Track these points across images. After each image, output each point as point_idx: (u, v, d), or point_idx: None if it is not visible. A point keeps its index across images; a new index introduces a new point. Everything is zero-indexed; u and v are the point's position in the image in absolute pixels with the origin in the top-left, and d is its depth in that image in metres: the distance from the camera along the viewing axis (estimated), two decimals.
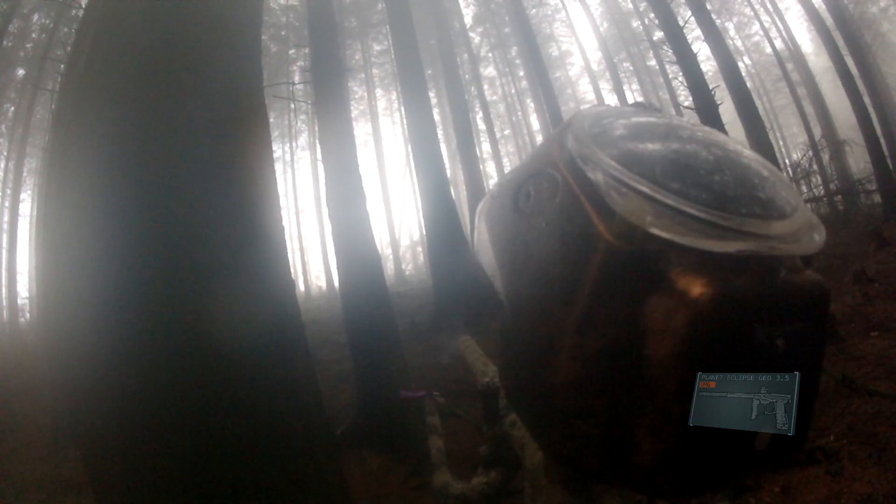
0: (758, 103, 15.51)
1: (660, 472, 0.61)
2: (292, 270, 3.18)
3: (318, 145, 10.19)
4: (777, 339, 0.57)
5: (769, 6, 26.56)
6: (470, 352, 1.65)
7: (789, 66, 25.56)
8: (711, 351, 0.55)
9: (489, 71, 35.00)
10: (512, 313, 0.74)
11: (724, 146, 0.68)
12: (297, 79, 23.17)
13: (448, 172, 14.58)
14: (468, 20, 31.17)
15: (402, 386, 5.96)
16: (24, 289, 22.76)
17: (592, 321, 0.59)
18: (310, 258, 35.29)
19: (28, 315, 21.41)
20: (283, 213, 3.35)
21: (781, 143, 33.31)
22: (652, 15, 17.52)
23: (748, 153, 0.69)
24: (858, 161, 19.16)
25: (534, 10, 29.80)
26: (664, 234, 0.54)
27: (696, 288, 0.54)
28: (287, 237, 3.41)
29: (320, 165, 8.63)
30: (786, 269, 0.59)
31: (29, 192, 24.67)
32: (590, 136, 0.66)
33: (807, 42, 31.03)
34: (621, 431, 0.61)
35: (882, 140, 14.06)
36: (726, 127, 10.59)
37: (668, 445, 0.58)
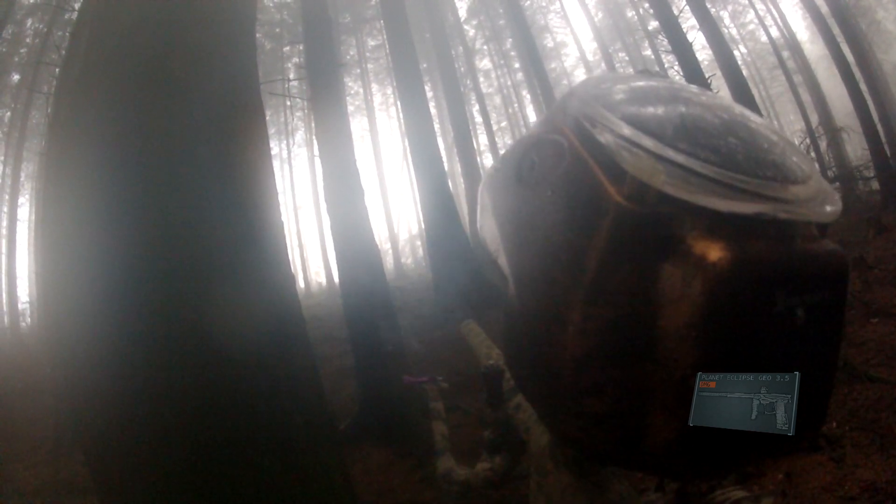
0: (754, 91, 15.45)
1: (673, 453, 0.58)
2: (292, 267, 3.18)
3: (314, 142, 10.17)
4: (797, 308, 0.54)
5: None
6: (473, 335, 1.63)
7: (785, 54, 25.50)
8: (730, 320, 0.52)
9: (484, 63, 34.92)
10: (516, 288, 0.71)
11: (731, 110, 0.65)
12: (291, 76, 23.17)
13: (445, 165, 14.56)
14: (462, 13, 31.12)
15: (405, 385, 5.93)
16: (24, 293, 22.74)
17: (602, 291, 0.56)
18: (309, 254, 35.31)
19: (29, 319, 21.40)
20: (282, 210, 3.33)
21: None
22: (647, 4, 17.49)
23: (756, 118, 0.66)
24: (856, 148, 19.16)
25: (528, 2, 29.76)
26: (679, 195, 0.51)
27: (714, 252, 0.51)
28: (286, 234, 3.40)
29: (317, 162, 8.62)
30: (801, 237, 0.56)
31: (27, 196, 24.67)
32: (595, 99, 0.63)
33: (802, 30, 31.02)
34: (633, 409, 0.58)
35: (879, 127, 14.02)
36: None
37: (684, 423, 0.55)
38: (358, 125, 32.39)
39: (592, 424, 0.62)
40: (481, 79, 33.30)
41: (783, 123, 35.97)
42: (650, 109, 0.61)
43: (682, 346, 0.53)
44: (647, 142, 0.54)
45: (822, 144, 16.71)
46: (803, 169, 0.59)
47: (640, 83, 0.70)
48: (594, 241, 0.56)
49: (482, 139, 32.58)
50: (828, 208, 0.57)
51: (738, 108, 0.67)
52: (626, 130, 0.56)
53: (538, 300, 0.66)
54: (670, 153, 0.53)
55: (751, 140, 0.59)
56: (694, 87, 0.71)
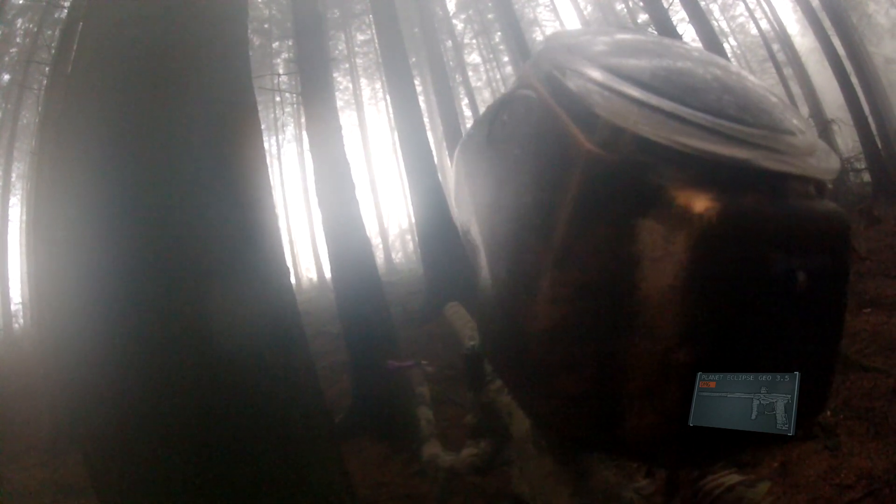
0: None
1: (658, 437, 0.52)
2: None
3: (304, 137, 10.15)
4: (797, 272, 0.48)
5: None
6: (457, 317, 1.58)
7: (775, 46, 25.50)
8: (720, 283, 0.46)
9: (473, 57, 34.85)
10: (487, 258, 0.65)
11: (726, 68, 0.59)
12: (281, 71, 23.08)
13: (435, 159, 14.53)
14: (451, 7, 31.04)
15: (397, 377, 5.90)
16: (16, 294, 22.61)
17: (573, 252, 0.50)
18: (299, 250, 35.23)
19: (21, 320, 21.31)
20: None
21: None
22: None
23: (752, 77, 0.60)
24: (847, 140, 19.21)
25: None
26: (657, 138, 0.44)
27: (701, 203, 0.45)
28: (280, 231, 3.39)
29: (307, 157, 8.63)
30: (797, 194, 0.50)
31: (18, 196, 24.52)
32: (568, 48, 0.57)
33: (792, 23, 31.08)
34: (610, 387, 0.52)
35: (870, 119, 14.06)
36: None
37: (670, 403, 0.49)
38: (347, 120, 32.33)
39: (567, 405, 0.56)
40: (470, 73, 33.30)
41: None
42: (628, 62, 0.54)
43: (664, 314, 0.47)
44: (623, 86, 0.48)
45: None
46: (798, 125, 0.53)
47: (625, 35, 0.64)
48: (564, 195, 0.49)
49: None
50: (825, 164, 0.51)
51: (735, 68, 0.61)
52: (598, 74, 0.50)
53: (508, 268, 0.60)
54: (650, 97, 0.47)
55: (741, 93, 0.53)
56: (684, 43, 0.65)
